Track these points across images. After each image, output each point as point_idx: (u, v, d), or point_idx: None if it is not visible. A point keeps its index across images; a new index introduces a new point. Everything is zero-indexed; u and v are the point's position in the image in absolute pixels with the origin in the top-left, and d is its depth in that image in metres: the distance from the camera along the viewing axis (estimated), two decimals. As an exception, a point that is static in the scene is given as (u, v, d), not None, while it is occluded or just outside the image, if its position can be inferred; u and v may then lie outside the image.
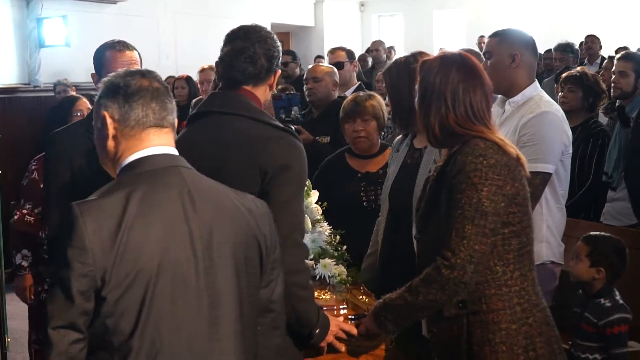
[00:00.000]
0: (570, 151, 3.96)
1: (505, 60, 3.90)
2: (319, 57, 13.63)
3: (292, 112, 4.54)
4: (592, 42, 10.80)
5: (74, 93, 9.16)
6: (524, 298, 2.75)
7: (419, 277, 2.71)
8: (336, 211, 3.96)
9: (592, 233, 4.07)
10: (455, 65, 2.84)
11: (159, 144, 2.30)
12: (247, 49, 2.79)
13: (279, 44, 2.88)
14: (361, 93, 4.72)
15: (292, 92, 5.28)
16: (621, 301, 3.86)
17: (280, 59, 2.90)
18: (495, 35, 4.04)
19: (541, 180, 3.73)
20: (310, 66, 6.25)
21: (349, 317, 2.99)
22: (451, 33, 17.71)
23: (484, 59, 3.91)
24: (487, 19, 16.41)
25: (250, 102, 2.80)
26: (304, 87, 5.99)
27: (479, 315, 2.74)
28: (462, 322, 2.75)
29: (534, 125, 3.78)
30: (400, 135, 3.88)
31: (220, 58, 2.83)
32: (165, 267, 2.16)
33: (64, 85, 9.15)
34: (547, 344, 2.76)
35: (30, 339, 4.88)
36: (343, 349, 2.84)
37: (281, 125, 2.78)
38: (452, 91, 2.80)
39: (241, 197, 2.38)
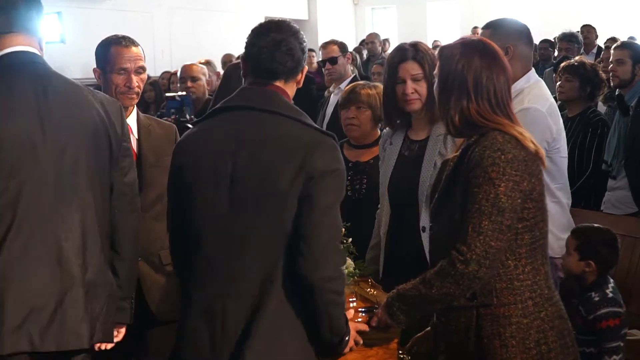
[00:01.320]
0: (558, 146, 3.87)
1: None
2: (310, 51, 13.59)
3: (186, 113, 4.87)
4: (587, 31, 10.81)
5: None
6: (536, 292, 2.73)
7: (434, 270, 2.70)
8: None
9: (580, 225, 4.01)
10: (478, 51, 2.79)
11: (19, 44, 2.76)
12: (285, 41, 2.68)
13: (306, 41, 2.79)
14: (362, 82, 4.67)
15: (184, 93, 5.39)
16: (611, 295, 3.81)
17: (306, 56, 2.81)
18: (488, 26, 3.96)
19: None
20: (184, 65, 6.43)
21: (359, 309, 2.99)
22: (445, 25, 17.71)
23: None
24: (481, 11, 16.41)
25: (288, 101, 2.71)
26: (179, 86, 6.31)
27: (489, 309, 2.73)
28: (471, 314, 2.74)
29: None
30: (387, 128, 3.83)
31: (259, 49, 2.69)
32: (13, 140, 2.64)
33: None
34: (559, 337, 2.76)
35: None
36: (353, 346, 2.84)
37: (321, 128, 2.71)
38: (474, 79, 2.75)
39: (95, 93, 2.94)
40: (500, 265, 2.69)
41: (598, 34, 10.97)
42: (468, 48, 2.81)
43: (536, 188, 2.71)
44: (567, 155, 4.07)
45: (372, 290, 3.13)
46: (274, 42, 2.67)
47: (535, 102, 3.80)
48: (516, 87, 3.80)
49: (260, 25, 2.77)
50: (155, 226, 3.54)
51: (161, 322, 3.51)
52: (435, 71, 2.88)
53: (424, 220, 3.45)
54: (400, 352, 3.01)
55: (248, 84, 2.75)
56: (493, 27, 3.95)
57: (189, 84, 5.93)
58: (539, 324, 2.72)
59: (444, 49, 2.86)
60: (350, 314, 2.88)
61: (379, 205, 3.84)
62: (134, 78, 3.51)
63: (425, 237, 3.41)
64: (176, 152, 2.80)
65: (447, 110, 2.79)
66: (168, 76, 9.68)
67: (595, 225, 4.02)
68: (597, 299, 3.80)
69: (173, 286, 3.52)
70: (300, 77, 2.78)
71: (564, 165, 4.00)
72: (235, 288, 2.61)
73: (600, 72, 5.78)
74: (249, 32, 2.79)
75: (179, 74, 6.38)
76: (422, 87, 3.58)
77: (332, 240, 2.60)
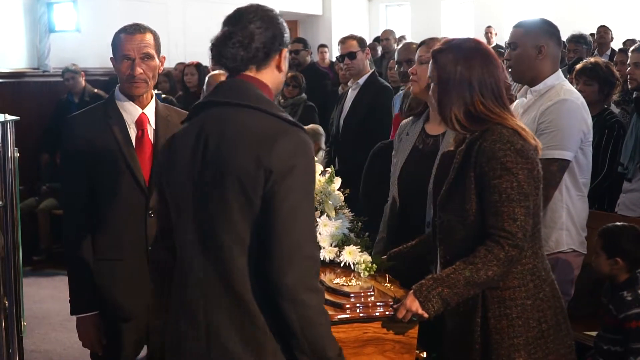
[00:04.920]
0: (591, 139, 3.94)
1: (531, 51, 3.89)
2: (322, 47, 13.58)
3: None
4: (604, 32, 10.83)
5: (83, 79, 9.16)
6: (535, 275, 2.96)
7: (477, 255, 2.84)
8: None
9: (606, 226, 4.06)
10: (475, 51, 3.01)
11: None
12: (235, 33, 2.53)
13: (280, 21, 2.62)
14: None
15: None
16: None
17: (287, 37, 2.64)
18: (520, 25, 4.02)
19: (559, 167, 3.73)
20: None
21: (377, 303, 2.96)
22: (459, 23, 17.68)
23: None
24: (495, 10, 16.40)
25: (256, 90, 2.56)
26: None
27: (495, 291, 2.93)
28: (477, 297, 2.93)
29: (552, 113, 3.77)
30: (409, 118, 3.85)
31: (211, 44, 2.59)
32: None
33: (72, 72, 9.13)
34: (554, 315, 2.98)
35: None
36: None
37: (291, 118, 2.52)
38: (479, 76, 2.94)
39: None
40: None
41: (614, 35, 10.97)
42: (465, 50, 3.01)
43: (539, 177, 2.93)
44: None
45: (390, 284, 3.12)
46: (223, 36, 2.56)
47: (571, 94, 3.87)
48: (547, 83, 3.92)
49: (227, 15, 2.64)
50: (170, 218, 3.52)
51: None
52: (430, 74, 3.08)
53: (430, 215, 3.47)
54: (418, 351, 3.00)
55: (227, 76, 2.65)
56: (526, 26, 4.02)
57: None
58: (539, 304, 2.95)
59: (438, 56, 3.03)
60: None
61: (389, 199, 3.84)
62: (138, 65, 3.45)
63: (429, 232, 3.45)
64: (160, 152, 2.76)
65: (449, 108, 2.98)
66: (182, 68, 9.68)
67: (619, 223, 4.07)
68: (629, 298, 3.81)
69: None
70: (280, 62, 2.62)
71: (590, 160, 4.03)
72: (206, 290, 2.48)
73: (615, 71, 5.77)
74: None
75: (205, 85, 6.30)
76: (423, 71, 3.60)
77: (301, 244, 2.38)
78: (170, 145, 2.65)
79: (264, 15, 2.58)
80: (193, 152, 2.52)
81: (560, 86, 3.90)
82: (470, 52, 2.99)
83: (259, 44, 2.55)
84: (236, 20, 2.56)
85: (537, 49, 3.88)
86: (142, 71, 3.46)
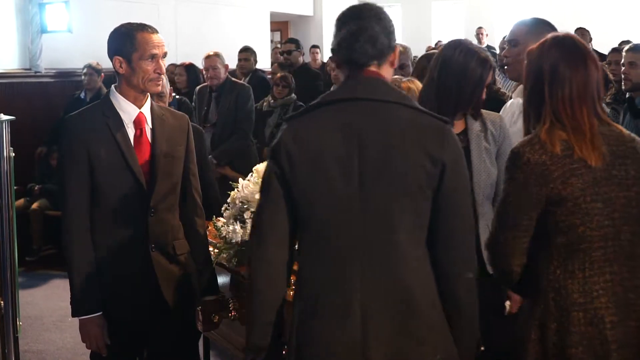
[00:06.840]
0: None
1: None
2: (314, 47, 13.61)
3: None
4: (582, 34, 10.90)
5: (100, 80, 9.05)
6: (561, 295, 2.70)
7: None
8: None
9: None
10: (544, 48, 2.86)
11: None
12: (364, 29, 2.60)
13: (390, 20, 2.70)
14: (398, 76, 4.55)
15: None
16: None
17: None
18: (524, 24, 4.01)
19: None
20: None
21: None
22: (450, 24, 17.71)
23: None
24: (486, 11, 16.44)
25: (393, 87, 2.67)
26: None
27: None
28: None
29: None
30: None
31: (338, 42, 2.64)
32: None
33: (92, 69, 9.00)
34: (584, 344, 2.69)
35: None
36: None
37: (435, 114, 2.65)
38: (552, 72, 2.76)
39: None
40: (531, 260, 2.77)
41: (609, 38, 11.06)
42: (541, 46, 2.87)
43: (561, 193, 2.66)
44: None
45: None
46: (351, 32, 2.61)
47: None
48: None
49: (342, 13, 2.69)
50: (169, 217, 3.52)
51: (174, 311, 3.49)
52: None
53: (483, 212, 3.52)
54: None
55: (348, 75, 2.66)
56: (530, 25, 3.97)
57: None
58: (557, 326, 2.70)
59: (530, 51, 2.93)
60: None
61: None
62: (162, 64, 3.47)
63: (481, 229, 3.46)
64: (287, 146, 2.59)
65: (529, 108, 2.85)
66: (172, 69, 9.67)
67: None
68: None
69: (186, 276, 3.56)
70: (394, 58, 2.70)
71: None
72: (372, 287, 2.51)
73: (608, 72, 5.79)
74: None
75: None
76: None
77: (471, 231, 2.66)
78: (300, 145, 2.58)
79: (381, 13, 2.67)
80: (344, 150, 2.53)
81: None
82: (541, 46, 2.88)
83: (384, 41, 2.63)
84: (358, 17, 2.64)
85: None
86: (164, 69, 3.48)
